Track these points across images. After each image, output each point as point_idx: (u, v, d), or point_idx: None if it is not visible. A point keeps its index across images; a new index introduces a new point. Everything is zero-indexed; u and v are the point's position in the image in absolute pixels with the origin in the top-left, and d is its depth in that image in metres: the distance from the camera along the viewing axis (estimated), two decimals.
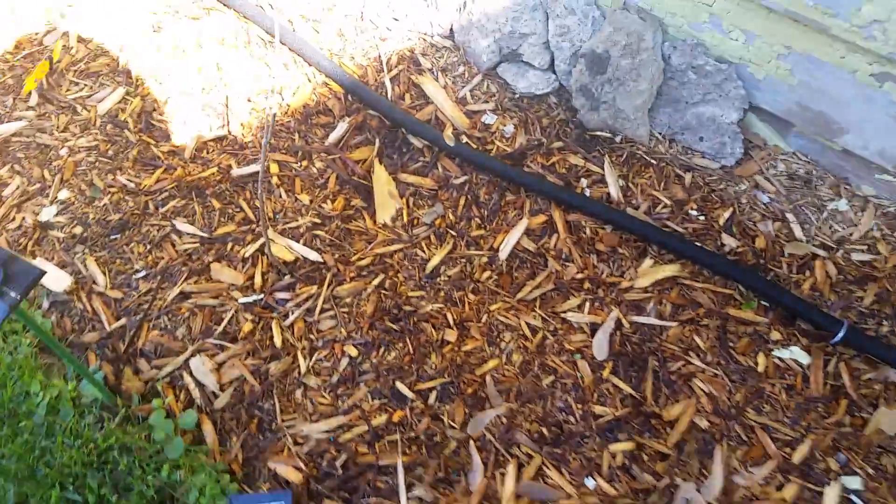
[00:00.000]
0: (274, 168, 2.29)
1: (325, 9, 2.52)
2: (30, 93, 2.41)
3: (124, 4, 2.65)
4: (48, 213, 2.26)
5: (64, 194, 2.29)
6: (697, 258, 2.04)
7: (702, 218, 2.13)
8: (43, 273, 1.34)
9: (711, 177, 2.18)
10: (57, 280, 2.13)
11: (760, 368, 1.95)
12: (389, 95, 2.35)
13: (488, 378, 1.97)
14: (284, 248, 2.14)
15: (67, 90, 2.51)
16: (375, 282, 2.10)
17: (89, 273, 2.15)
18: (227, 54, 2.49)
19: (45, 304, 2.12)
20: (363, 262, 2.13)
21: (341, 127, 2.33)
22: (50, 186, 2.31)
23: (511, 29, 2.23)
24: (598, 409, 1.92)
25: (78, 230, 2.22)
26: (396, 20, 2.47)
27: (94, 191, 2.28)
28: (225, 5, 2.59)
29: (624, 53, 2.07)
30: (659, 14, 2.07)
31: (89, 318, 2.08)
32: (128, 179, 2.29)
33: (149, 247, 2.18)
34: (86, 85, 2.52)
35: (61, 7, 2.69)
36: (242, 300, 2.08)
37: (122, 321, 2.06)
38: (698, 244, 2.07)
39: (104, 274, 2.14)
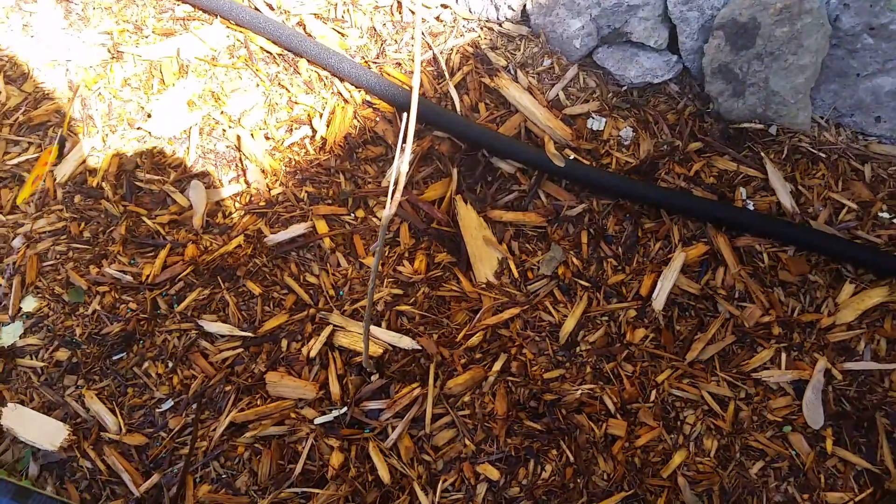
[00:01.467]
0: (321, 227, 1.74)
1: (347, 1, 1.95)
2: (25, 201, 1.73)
3: (61, 25, 2.00)
4: (12, 334, 1.64)
5: (31, 304, 1.67)
6: None
7: (895, 221, 1.71)
8: None
9: (893, 166, 1.76)
10: (46, 432, 1.53)
11: None
12: (458, 108, 1.82)
13: (680, 479, 1.50)
14: (362, 338, 1.60)
15: (6, 153, 1.86)
16: (497, 366, 1.59)
17: (92, 414, 1.56)
18: (225, 78, 1.89)
19: (35, 470, 1.52)
20: (473, 341, 1.62)
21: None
22: (7, 294, 1.68)
23: (615, 1, 1.73)
24: (830, 496, 1.49)
25: (62, 354, 1.62)
26: (446, 6, 1.93)
27: (75, 293, 1.67)
28: (207, 12, 1.98)
29: (779, 20, 1.61)
30: None
31: (104, 480, 1.50)
32: (120, 270, 1.69)
33: (171, 364, 1.60)
34: (30, 143, 1.88)
35: None
36: (319, 420, 1.54)
37: (155, 478, 1.50)
38: None
39: (114, 413, 1.56)
